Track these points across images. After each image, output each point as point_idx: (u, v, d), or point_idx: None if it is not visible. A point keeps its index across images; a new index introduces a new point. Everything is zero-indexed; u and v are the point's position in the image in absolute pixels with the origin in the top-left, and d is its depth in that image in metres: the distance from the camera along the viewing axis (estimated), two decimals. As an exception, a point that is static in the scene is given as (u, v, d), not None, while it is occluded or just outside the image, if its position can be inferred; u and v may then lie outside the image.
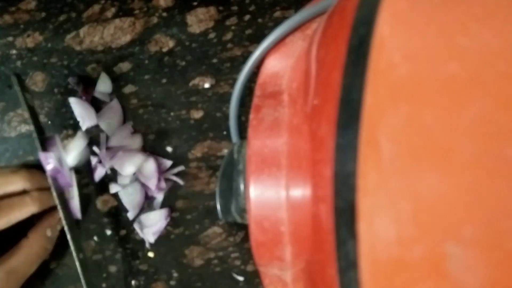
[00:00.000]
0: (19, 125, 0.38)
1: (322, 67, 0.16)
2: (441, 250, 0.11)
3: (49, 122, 0.38)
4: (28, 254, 0.33)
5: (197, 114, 0.37)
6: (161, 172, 0.36)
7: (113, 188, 0.37)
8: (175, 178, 0.37)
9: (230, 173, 0.21)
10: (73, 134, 0.38)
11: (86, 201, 0.37)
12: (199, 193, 0.37)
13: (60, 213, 0.33)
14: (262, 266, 0.19)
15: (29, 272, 0.33)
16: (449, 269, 0.11)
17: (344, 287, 0.13)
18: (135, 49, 0.38)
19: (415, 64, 0.13)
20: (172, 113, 0.37)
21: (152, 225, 0.36)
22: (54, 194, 0.33)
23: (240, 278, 0.36)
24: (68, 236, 0.33)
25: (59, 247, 0.36)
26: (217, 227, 0.37)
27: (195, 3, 0.37)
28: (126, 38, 0.38)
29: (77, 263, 0.32)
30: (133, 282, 0.37)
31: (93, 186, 0.37)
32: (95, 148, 0.37)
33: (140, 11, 0.38)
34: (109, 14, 0.38)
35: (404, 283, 0.12)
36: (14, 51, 0.39)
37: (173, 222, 0.37)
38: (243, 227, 0.36)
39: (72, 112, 0.37)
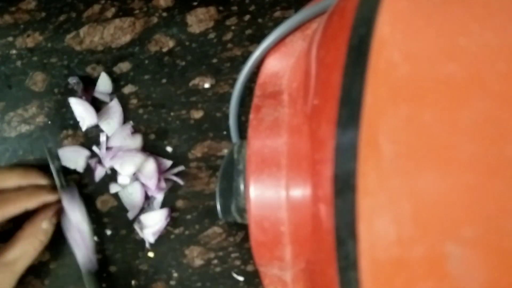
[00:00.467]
0: (19, 125, 0.38)
1: (322, 67, 0.16)
2: (441, 250, 0.11)
3: (49, 122, 0.38)
4: (24, 247, 0.33)
5: (197, 114, 0.37)
6: (161, 172, 0.36)
7: (113, 188, 0.37)
8: (175, 178, 0.37)
9: (230, 173, 0.21)
10: (73, 134, 0.38)
11: (86, 201, 0.37)
12: (199, 193, 0.37)
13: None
14: (262, 266, 0.19)
15: (25, 265, 0.33)
16: (449, 269, 0.11)
17: (344, 287, 0.13)
18: (135, 49, 0.38)
19: (415, 64, 0.13)
20: (172, 113, 0.37)
21: (152, 225, 0.36)
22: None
23: (240, 278, 0.36)
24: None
25: (59, 247, 0.36)
26: (217, 227, 0.37)
27: (195, 3, 0.37)
28: (126, 38, 0.38)
29: None
30: (133, 282, 0.37)
31: (93, 186, 0.37)
32: (95, 148, 0.37)
33: (140, 11, 0.38)
34: (109, 14, 0.38)
35: (404, 283, 0.12)
36: (14, 51, 0.39)
37: (173, 222, 0.37)
38: (243, 227, 0.36)
39: (72, 112, 0.37)
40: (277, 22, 0.36)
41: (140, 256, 0.37)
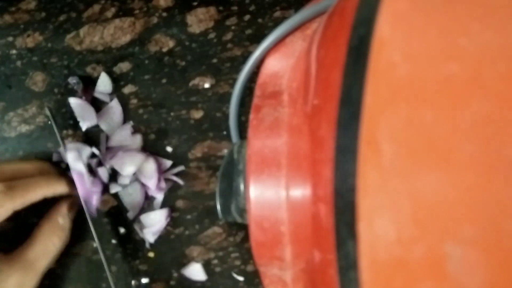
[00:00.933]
0: (19, 125, 0.38)
1: (322, 67, 0.16)
2: (441, 250, 0.11)
3: (49, 122, 0.38)
4: (43, 244, 0.33)
5: (197, 114, 0.37)
6: (161, 172, 0.36)
7: (113, 188, 0.37)
8: (175, 178, 0.37)
9: (230, 173, 0.21)
10: (73, 134, 0.38)
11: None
12: (199, 193, 0.37)
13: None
14: (262, 266, 0.19)
15: (47, 263, 0.33)
16: (449, 269, 0.11)
17: (344, 287, 0.13)
18: (135, 49, 0.38)
19: (415, 64, 0.13)
20: (172, 113, 0.37)
21: (152, 225, 0.36)
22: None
23: (240, 278, 0.36)
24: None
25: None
26: (217, 227, 0.37)
27: (195, 3, 0.37)
28: (126, 38, 0.38)
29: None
30: (133, 282, 0.37)
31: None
32: (94, 149, 0.37)
33: (140, 11, 0.38)
34: (109, 14, 0.38)
35: (404, 283, 0.12)
36: (14, 51, 0.39)
37: (173, 222, 0.37)
38: (243, 227, 0.36)
39: (72, 112, 0.37)
40: (277, 22, 0.36)
41: (140, 256, 0.37)
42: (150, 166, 0.36)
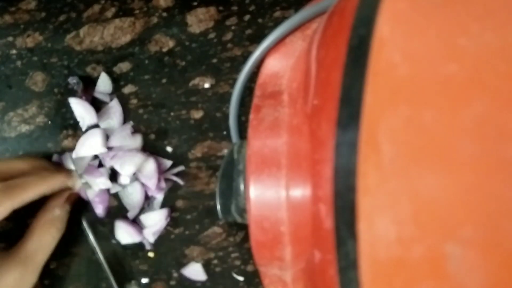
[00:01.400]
0: (19, 125, 0.38)
1: (322, 67, 0.16)
2: (441, 250, 0.11)
3: (49, 122, 0.38)
4: (41, 236, 0.33)
5: (197, 114, 0.37)
6: (161, 172, 0.36)
7: (113, 188, 0.37)
8: (175, 178, 0.37)
9: (230, 173, 0.21)
10: (73, 134, 0.38)
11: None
12: (199, 193, 0.37)
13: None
14: (262, 266, 0.19)
15: (46, 255, 0.33)
16: (449, 269, 0.11)
17: (344, 287, 0.13)
18: (135, 49, 0.38)
19: (415, 64, 0.13)
20: (172, 113, 0.37)
21: (152, 225, 0.36)
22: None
23: (240, 278, 0.36)
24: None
25: (59, 247, 0.36)
26: (217, 227, 0.37)
27: (195, 3, 0.37)
28: (126, 38, 0.38)
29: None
30: (133, 282, 0.37)
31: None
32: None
33: (140, 11, 0.38)
34: (109, 14, 0.38)
35: (404, 283, 0.12)
36: (14, 51, 0.39)
37: (173, 222, 0.37)
38: (243, 227, 0.36)
39: (72, 112, 0.37)
40: (277, 22, 0.36)
41: (140, 256, 0.37)
42: (150, 166, 0.36)
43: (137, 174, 0.36)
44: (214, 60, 0.37)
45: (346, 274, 0.13)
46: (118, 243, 0.37)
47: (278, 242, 0.17)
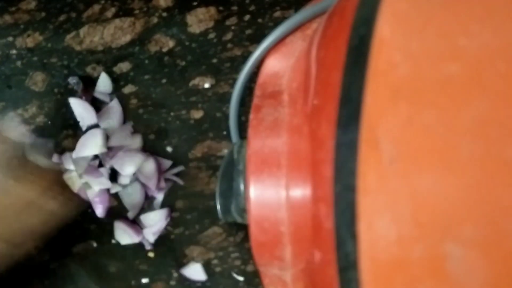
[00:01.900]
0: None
1: (322, 67, 0.16)
2: (441, 250, 0.11)
3: (49, 122, 0.38)
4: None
5: (197, 114, 0.37)
6: (161, 172, 0.36)
7: (113, 188, 0.37)
8: (175, 178, 0.37)
9: (230, 173, 0.21)
10: (73, 134, 0.38)
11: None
12: (199, 193, 0.37)
13: None
14: (262, 266, 0.19)
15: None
16: (449, 269, 0.11)
17: (344, 287, 0.13)
18: (135, 49, 0.38)
19: (415, 64, 0.13)
20: (172, 113, 0.37)
21: (152, 225, 0.36)
22: None
23: (240, 278, 0.36)
24: None
25: (59, 247, 0.36)
26: (217, 227, 0.37)
27: (195, 3, 0.37)
28: (126, 38, 0.38)
29: None
30: (133, 282, 0.37)
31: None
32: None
33: (140, 11, 0.38)
34: (109, 14, 0.38)
35: (404, 283, 0.12)
36: (14, 51, 0.39)
37: (173, 222, 0.37)
38: (243, 227, 0.36)
39: (72, 112, 0.37)
40: (277, 22, 0.36)
41: (140, 256, 0.37)
42: (150, 166, 0.36)
43: (137, 174, 0.36)
44: (214, 60, 0.37)
45: (346, 274, 0.13)
46: (118, 243, 0.37)
47: (278, 242, 0.17)
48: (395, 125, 0.12)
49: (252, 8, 0.36)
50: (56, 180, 0.35)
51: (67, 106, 0.37)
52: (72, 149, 0.36)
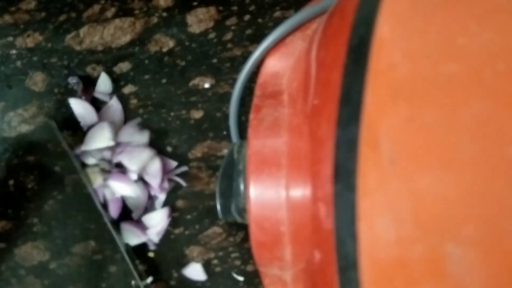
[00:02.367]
0: (19, 125, 0.38)
1: (322, 67, 0.16)
2: (441, 250, 0.11)
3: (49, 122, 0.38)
4: None
5: (197, 114, 0.37)
6: (166, 172, 0.36)
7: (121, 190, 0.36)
8: (177, 179, 0.37)
9: (230, 173, 0.21)
10: (73, 134, 0.38)
11: (86, 202, 0.37)
12: (199, 193, 0.37)
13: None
14: (262, 266, 0.19)
15: None
16: (449, 269, 0.11)
17: (344, 287, 0.13)
18: (135, 49, 0.38)
19: (415, 64, 0.13)
20: (172, 113, 0.37)
21: (155, 225, 0.36)
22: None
23: (240, 278, 0.36)
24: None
25: (59, 247, 0.36)
26: (217, 227, 0.37)
27: (195, 3, 0.37)
28: (126, 38, 0.38)
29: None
30: (133, 282, 0.37)
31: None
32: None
33: (140, 11, 0.38)
34: (109, 14, 0.38)
35: (404, 283, 0.12)
36: (14, 51, 0.39)
37: (173, 222, 0.37)
38: (243, 227, 0.36)
39: (72, 112, 0.37)
40: (277, 22, 0.36)
41: (140, 256, 0.37)
42: (156, 165, 0.36)
43: (142, 172, 0.36)
44: (214, 60, 0.37)
45: (346, 274, 0.13)
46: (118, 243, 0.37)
47: (278, 242, 0.17)
48: (395, 125, 0.12)
49: (252, 8, 0.36)
50: None
51: (67, 106, 0.37)
52: (72, 149, 0.36)
